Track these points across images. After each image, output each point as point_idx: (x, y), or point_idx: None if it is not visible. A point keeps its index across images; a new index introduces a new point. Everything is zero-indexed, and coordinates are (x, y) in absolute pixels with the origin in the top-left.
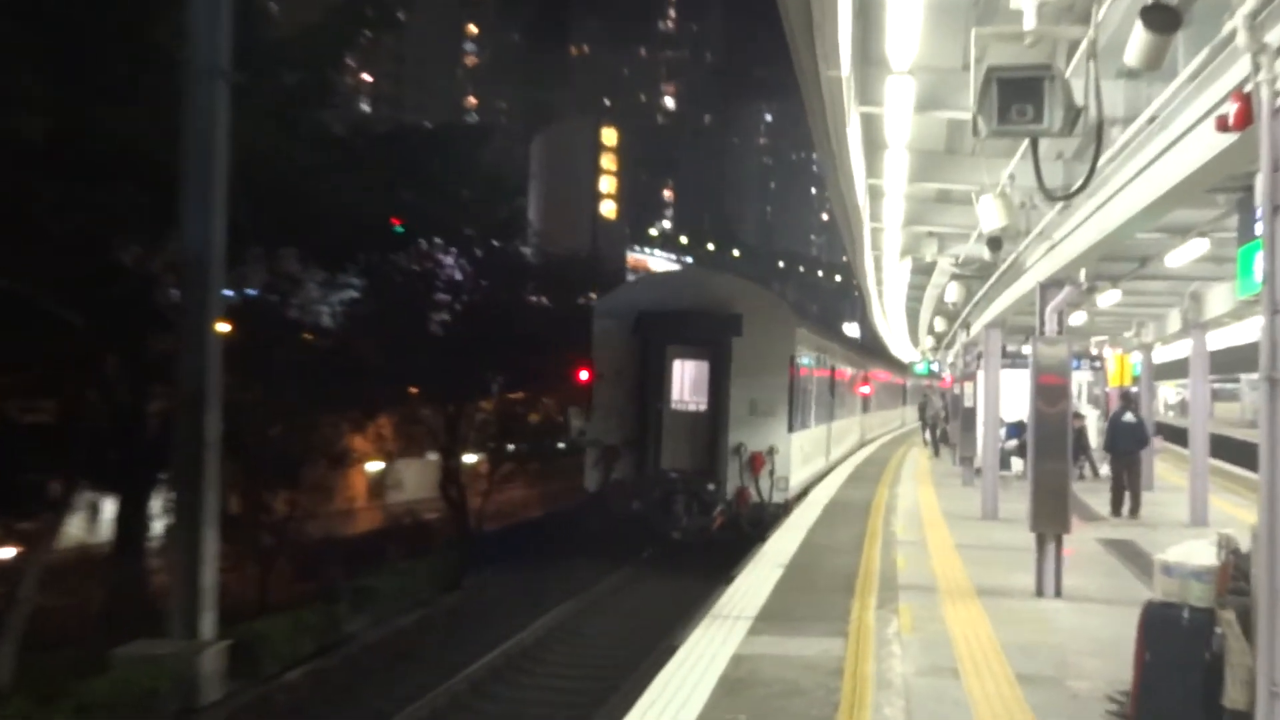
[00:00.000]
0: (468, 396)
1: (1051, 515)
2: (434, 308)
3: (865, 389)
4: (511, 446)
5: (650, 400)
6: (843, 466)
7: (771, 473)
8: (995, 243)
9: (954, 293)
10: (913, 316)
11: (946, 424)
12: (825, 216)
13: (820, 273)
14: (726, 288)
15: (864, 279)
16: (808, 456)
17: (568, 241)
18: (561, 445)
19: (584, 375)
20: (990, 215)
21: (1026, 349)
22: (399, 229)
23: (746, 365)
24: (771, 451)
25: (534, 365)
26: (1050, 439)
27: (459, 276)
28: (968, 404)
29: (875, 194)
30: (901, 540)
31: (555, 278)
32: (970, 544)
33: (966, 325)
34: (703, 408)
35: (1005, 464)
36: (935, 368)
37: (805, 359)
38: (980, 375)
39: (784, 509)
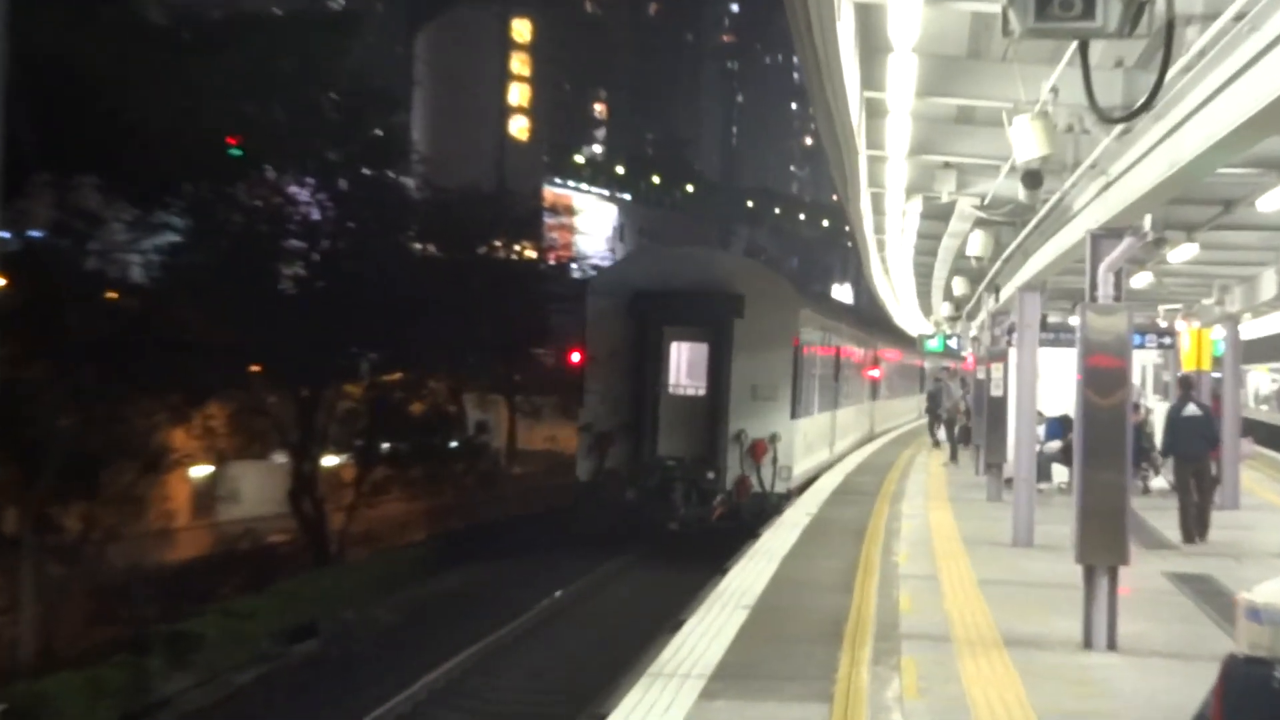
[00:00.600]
0: (328, 378)
1: (1104, 542)
2: (284, 258)
3: (875, 372)
4: (387, 446)
5: (647, 384)
6: (833, 472)
7: (774, 461)
8: (1033, 178)
9: (978, 244)
10: (924, 276)
11: (968, 419)
12: (809, 141)
13: (802, 216)
14: (728, 266)
15: (859, 225)
16: (811, 445)
17: (465, 171)
18: (454, 444)
19: (576, 358)
20: (1026, 142)
21: (1073, 320)
22: (236, 151)
23: (748, 348)
24: (774, 439)
25: (419, 336)
26: (1103, 440)
27: (317, 216)
28: (995, 392)
29: (875, 111)
30: (906, 574)
31: (448, 219)
32: (997, 579)
33: (994, 288)
34: (702, 392)
35: (1044, 473)
36: (954, 344)
37: (810, 341)
38: (1012, 354)
39: (786, 499)
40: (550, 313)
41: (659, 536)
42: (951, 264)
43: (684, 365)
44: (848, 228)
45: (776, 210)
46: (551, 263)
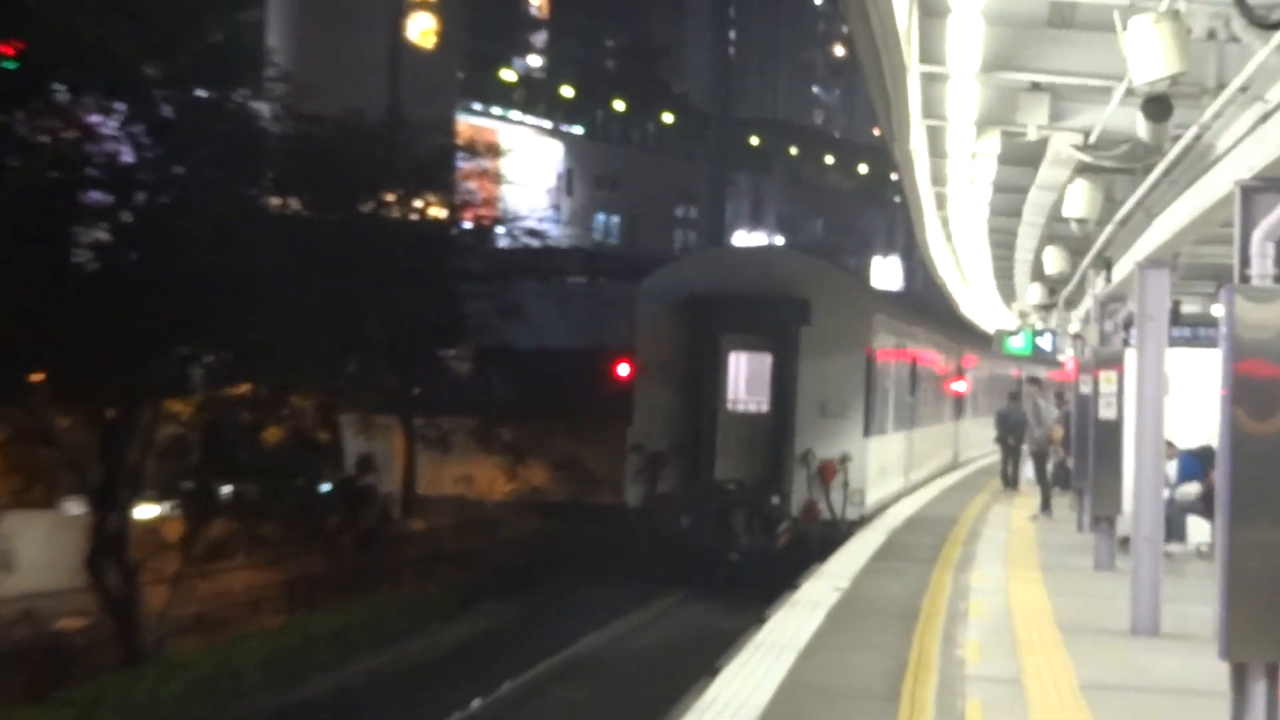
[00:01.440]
0: (143, 391)
1: (1261, 629)
2: (80, 217)
3: (960, 385)
4: (229, 490)
5: (704, 399)
6: (871, 529)
7: (845, 484)
8: (1158, 107)
9: (1080, 201)
10: (1003, 247)
11: (1066, 451)
12: (839, 51)
13: (828, 159)
14: (792, 267)
15: (910, 173)
16: (886, 469)
17: (343, 94)
18: (326, 488)
19: (624, 370)
20: (1149, 54)
21: (1217, 309)
22: (9, 63)
23: (816, 358)
24: (844, 460)
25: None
26: (1261, 482)
27: (129, 157)
28: (1106, 413)
29: (932, 8)
30: (976, 676)
31: (318, 163)
32: (1108, 683)
33: (1104, 263)
34: (764, 408)
35: (1175, 530)
36: (1046, 343)
37: (885, 349)
38: (1130, 358)
39: (858, 526)
40: (468, 297)
41: (717, 568)
42: (1043, 229)
43: (745, 378)
44: (894, 176)
45: (792, 150)
46: (468, 225)
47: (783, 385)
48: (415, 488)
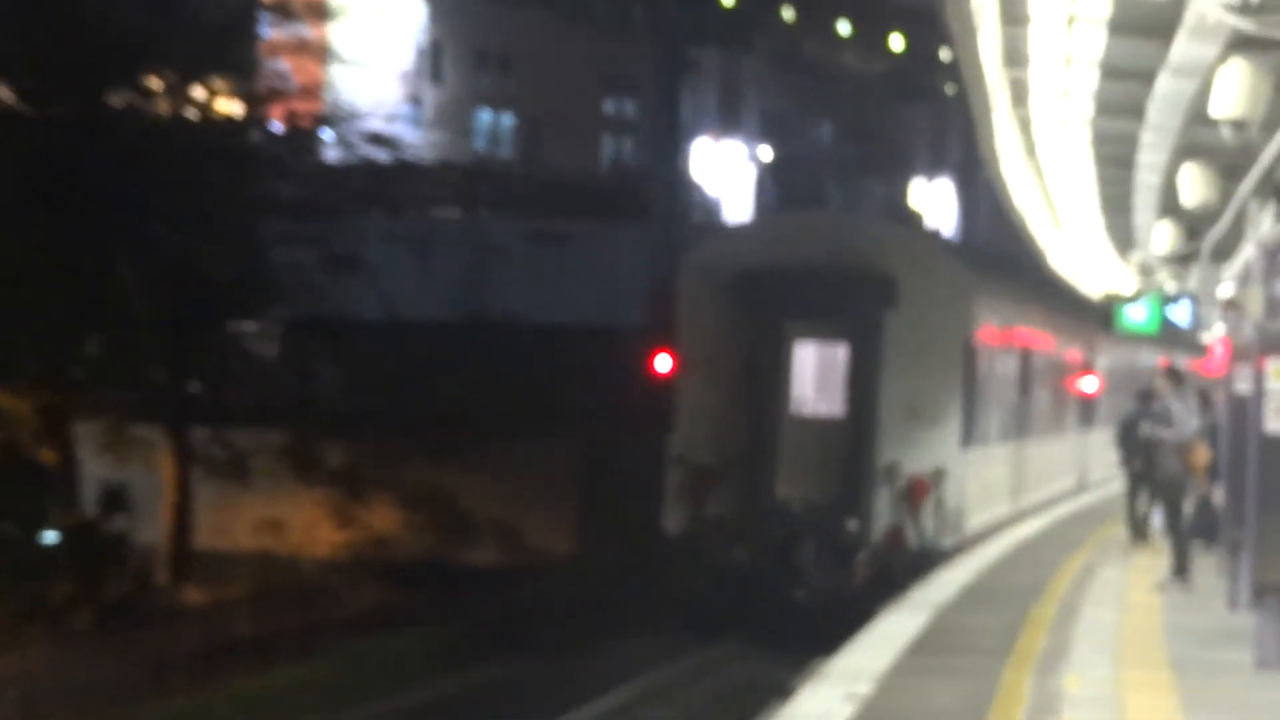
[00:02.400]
0: None
1: None
2: None
3: (1091, 383)
4: None
5: (763, 403)
6: (910, 606)
7: (939, 505)
8: None
9: (1237, 92)
10: (1116, 166)
11: (1213, 485)
12: None
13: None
14: (872, 237)
15: (971, 50)
16: (990, 488)
17: None
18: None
19: (664, 364)
20: None
21: None
22: None
23: (903, 351)
24: (939, 475)
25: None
26: None
27: None
28: (1275, 426)
29: None
30: None
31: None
32: None
33: (1276, 190)
34: (838, 413)
35: None
36: (1181, 315)
37: (989, 338)
38: None
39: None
40: (278, 240)
41: (780, 609)
42: (1178, 138)
43: (813, 376)
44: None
45: (786, 14)
46: (277, 128)
47: (863, 385)
48: (191, 537)
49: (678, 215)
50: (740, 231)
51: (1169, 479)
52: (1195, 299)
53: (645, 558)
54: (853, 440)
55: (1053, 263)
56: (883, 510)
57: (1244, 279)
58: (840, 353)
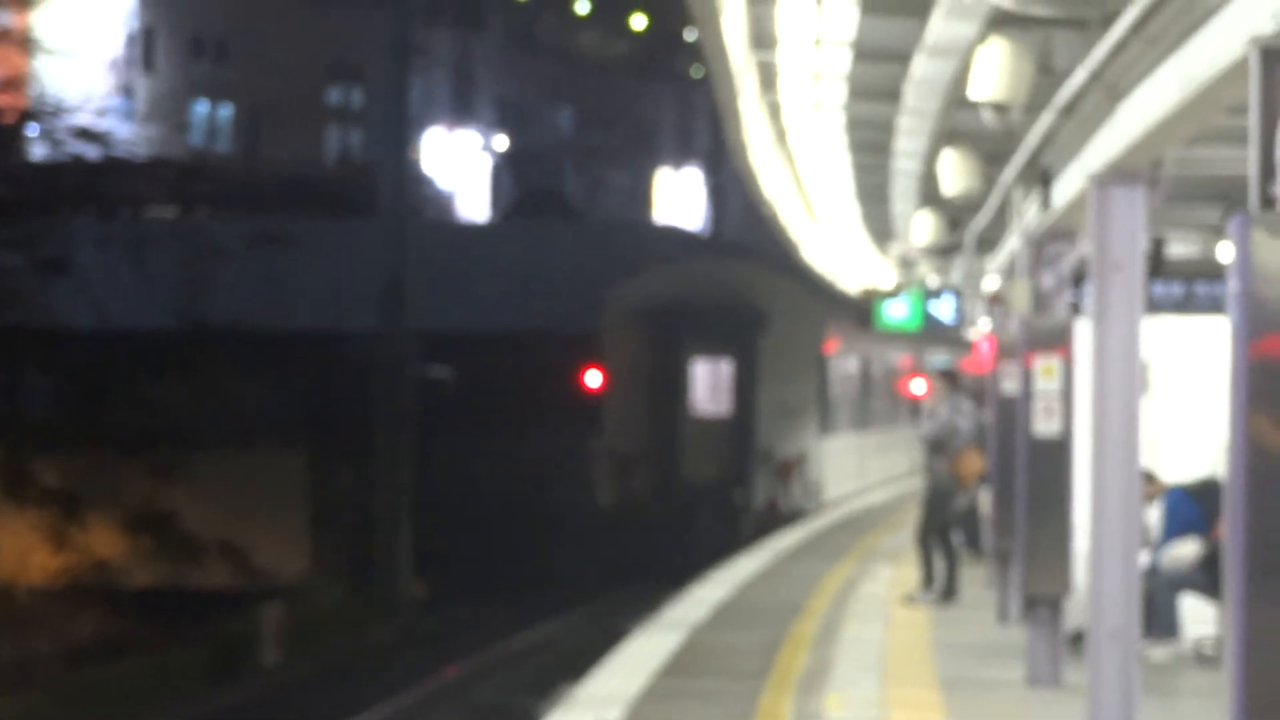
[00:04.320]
0: None
1: None
2: None
3: (919, 385)
4: None
5: (669, 405)
6: (662, 625)
7: (803, 479)
8: None
9: (997, 73)
10: (872, 153)
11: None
12: None
13: (582, 5)
14: (747, 281)
15: (714, 30)
16: (840, 466)
17: None
18: None
19: (594, 379)
20: None
21: (1224, 250)
22: None
23: (773, 365)
24: (802, 457)
25: None
26: None
27: None
28: (1044, 427)
29: None
30: None
31: None
32: None
33: (1040, 176)
34: (726, 412)
35: (1161, 619)
36: (944, 312)
37: (835, 353)
38: (1082, 333)
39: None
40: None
41: (682, 560)
42: (937, 122)
43: (706, 385)
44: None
45: None
46: None
47: (742, 390)
48: None
49: (409, 211)
50: (649, 277)
51: (931, 487)
52: (958, 293)
53: (580, 525)
54: (737, 432)
55: (807, 256)
56: (761, 484)
57: (1009, 271)
58: (726, 367)
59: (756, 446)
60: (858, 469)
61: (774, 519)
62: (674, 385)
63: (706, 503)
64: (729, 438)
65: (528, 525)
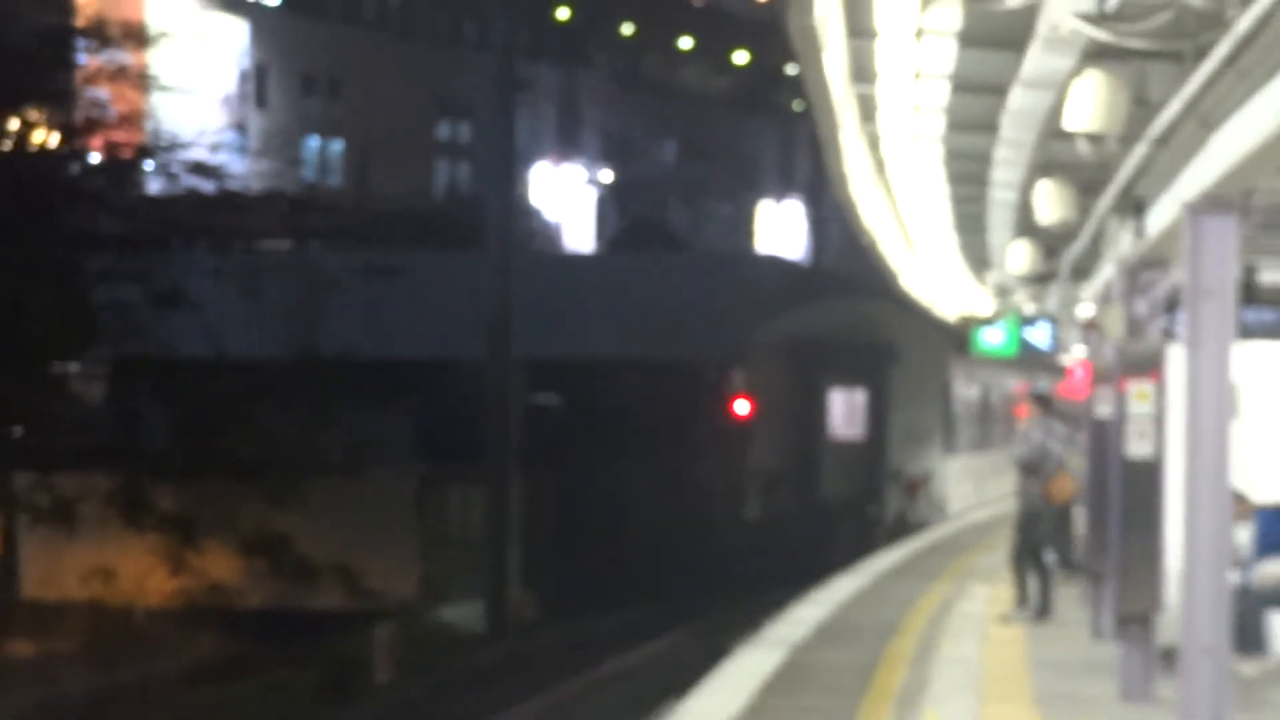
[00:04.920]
0: None
1: None
2: None
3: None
4: None
5: (810, 430)
6: (762, 644)
7: (928, 495)
8: None
9: (1092, 105)
10: (969, 183)
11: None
12: None
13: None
14: (879, 318)
15: (816, 66)
16: (960, 483)
17: None
18: None
19: (743, 407)
20: None
21: None
22: None
23: (902, 394)
24: (927, 475)
25: None
26: None
27: None
28: (1138, 450)
29: None
30: None
31: None
32: None
33: (1134, 206)
34: (860, 436)
35: (1252, 635)
36: (1038, 336)
37: (958, 381)
38: (1175, 358)
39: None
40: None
41: (822, 569)
42: (1033, 153)
43: (843, 412)
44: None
45: (625, 28)
46: (96, 159)
47: (875, 416)
48: (17, 588)
49: (515, 243)
50: (792, 316)
51: (1023, 508)
52: (1054, 320)
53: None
54: (870, 454)
55: (905, 284)
56: (891, 500)
57: (1103, 299)
58: (859, 396)
59: (887, 466)
60: (976, 487)
61: (903, 530)
62: (813, 412)
63: (843, 517)
64: (863, 459)
65: (680, 540)
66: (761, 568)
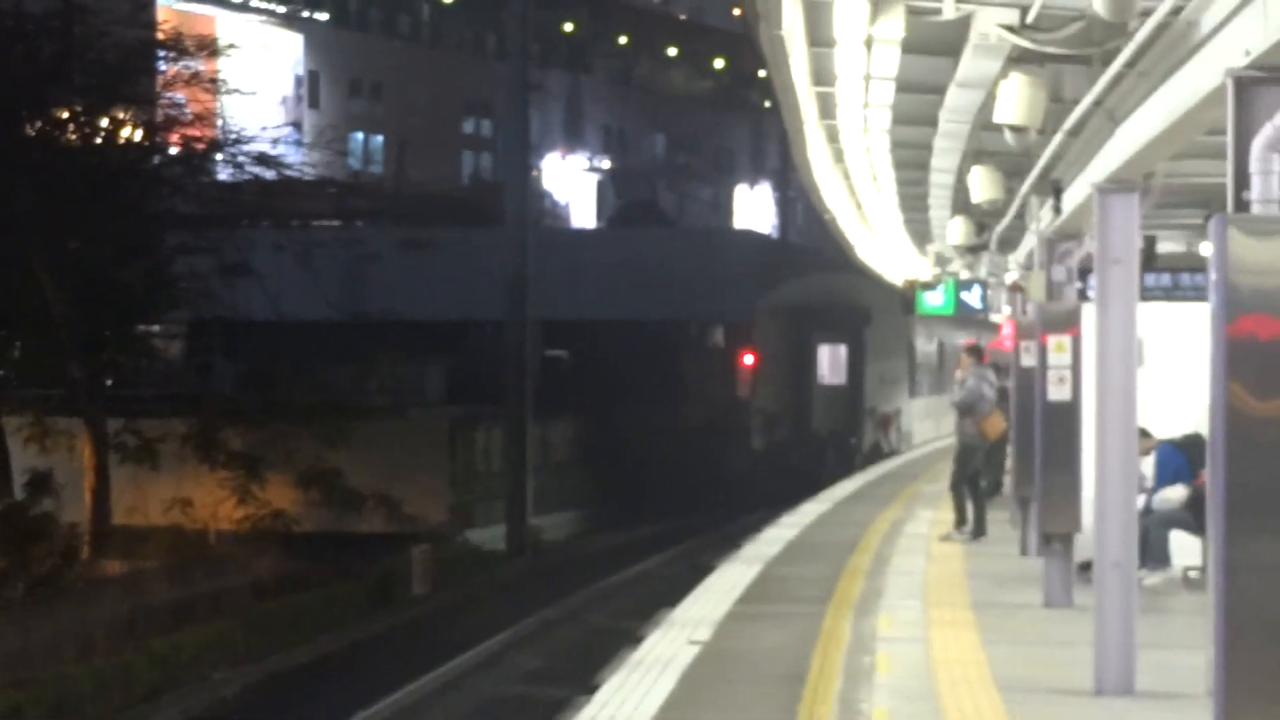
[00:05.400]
0: None
1: (1274, 682)
2: None
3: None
4: None
5: (803, 377)
6: (740, 559)
7: (898, 429)
8: None
9: (1015, 102)
10: (913, 169)
11: (1007, 443)
12: None
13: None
14: (857, 287)
15: (783, 71)
16: (924, 419)
17: None
18: None
19: (749, 359)
20: None
21: (1206, 248)
22: None
23: (876, 348)
24: (898, 413)
25: None
26: (1270, 481)
27: None
28: (1057, 393)
29: None
30: None
31: None
32: None
33: (1052, 187)
34: (843, 382)
35: (1155, 552)
36: (973, 298)
37: (919, 337)
38: (1088, 316)
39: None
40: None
41: (812, 485)
42: (967, 143)
43: (829, 362)
44: (763, 73)
45: (621, 39)
46: (175, 151)
47: (854, 366)
48: (110, 516)
49: (529, 220)
50: (790, 285)
51: (961, 444)
52: (985, 284)
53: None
54: (851, 396)
55: (860, 254)
56: (868, 433)
57: (1027, 266)
58: (842, 350)
59: (865, 406)
60: (935, 423)
61: (877, 456)
62: (805, 363)
63: (830, 446)
64: (845, 400)
65: (701, 466)
66: (767, 487)
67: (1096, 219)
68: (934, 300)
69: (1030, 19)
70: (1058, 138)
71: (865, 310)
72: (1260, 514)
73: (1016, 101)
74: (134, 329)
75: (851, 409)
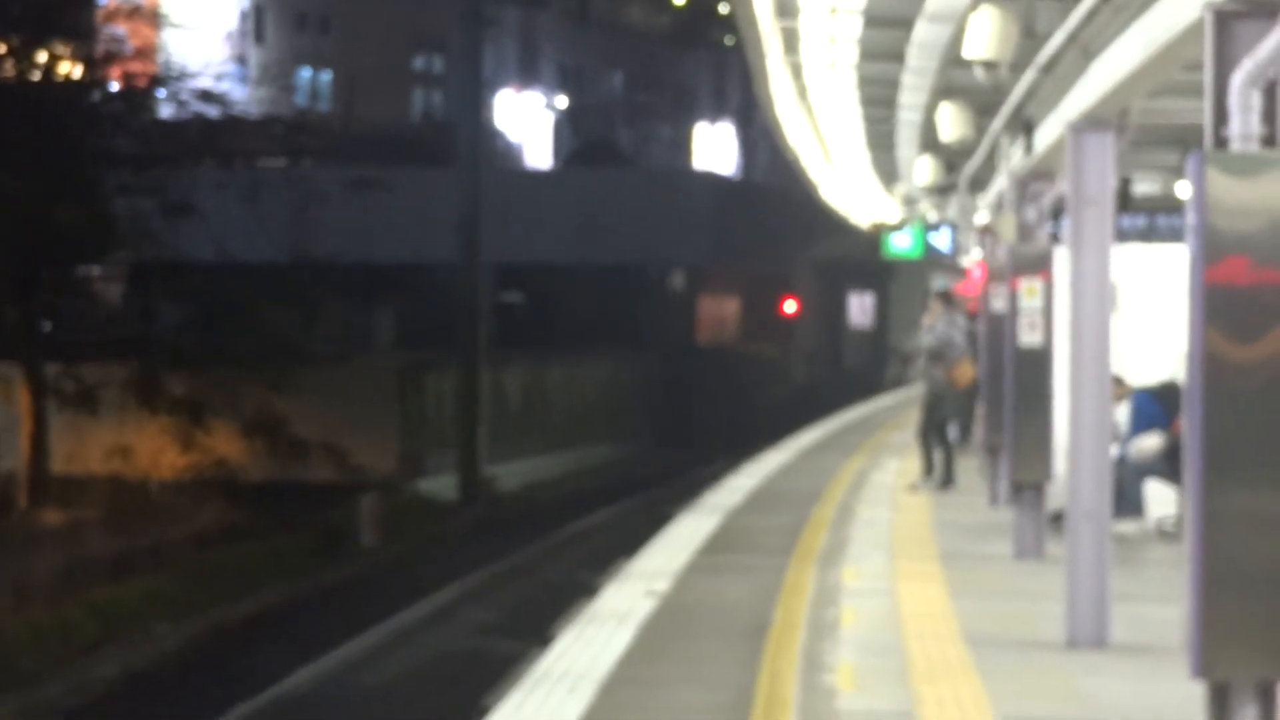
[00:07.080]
0: None
1: (1249, 634)
2: None
3: None
4: None
5: (837, 322)
6: (703, 509)
7: (918, 366)
8: None
9: (986, 36)
10: (880, 105)
11: (976, 394)
12: None
13: None
14: (883, 245)
15: (745, 2)
16: None
17: None
18: None
19: (790, 306)
20: None
21: (1183, 188)
22: None
23: (898, 298)
24: (917, 350)
25: None
26: (1246, 430)
27: None
28: (1028, 339)
29: None
30: (852, 712)
31: None
32: (1037, 718)
33: (1024, 125)
34: (870, 326)
35: (1128, 501)
36: (942, 241)
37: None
38: (1060, 259)
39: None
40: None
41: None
42: (935, 79)
43: (859, 309)
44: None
45: None
46: (114, 88)
47: (881, 312)
48: (48, 464)
49: (482, 161)
50: (824, 243)
51: (929, 391)
52: (954, 226)
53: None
54: (877, 337)
55: (825, 195)
56: (891, 367)
57: (997, 207)
58: (869, 298)
59: (889, 345)
60: None
61: (900, 386)
62: (838, 309)
63: (859, 380)
64: (871, 340)
65: (750, 395)
66: (808, 414)
67: (1070, 158)
68: (901, 243)
69: None
70: (1030, 74)
71: (888, 264)
72: (1237, 463)
73: (987, 36)
74: (72, 270)
75: (877, 348)
